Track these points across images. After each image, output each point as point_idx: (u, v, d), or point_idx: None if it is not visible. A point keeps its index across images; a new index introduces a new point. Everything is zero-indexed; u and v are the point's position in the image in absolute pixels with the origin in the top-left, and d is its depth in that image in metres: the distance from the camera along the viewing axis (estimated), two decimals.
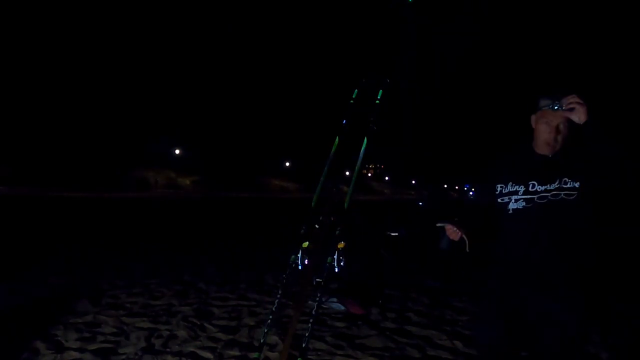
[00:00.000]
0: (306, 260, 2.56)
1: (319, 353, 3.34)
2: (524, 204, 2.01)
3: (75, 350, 3.20)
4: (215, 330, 3.75)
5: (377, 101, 2.74)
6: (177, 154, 54.88)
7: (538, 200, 1.98)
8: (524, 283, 1.98)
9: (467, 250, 2.05)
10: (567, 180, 1.94)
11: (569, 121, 1.92)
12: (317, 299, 2.48)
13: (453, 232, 2.10)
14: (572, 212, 1.93)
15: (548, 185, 1.97)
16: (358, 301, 4.50)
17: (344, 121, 2.83)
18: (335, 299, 4.51)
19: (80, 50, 49.62)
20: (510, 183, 2.07)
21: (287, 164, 68.83)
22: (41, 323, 3.67)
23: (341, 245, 2.52)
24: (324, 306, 4.41)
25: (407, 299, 5.01)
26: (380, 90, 2.75)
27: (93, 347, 3.27)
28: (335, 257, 2.49)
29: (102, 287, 4.97)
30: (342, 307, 4.43)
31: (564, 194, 1.93)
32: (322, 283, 2.49)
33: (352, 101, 2.85)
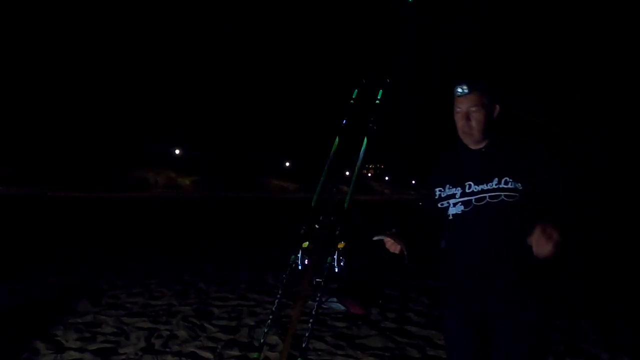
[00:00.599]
0: (306, 260, 2.56)
1: (319, 353, 3.34)
2: (462, 207, 1.84)
3: (75, 350, 3.20)
4: (215, 330, 3.75)
5: (377, 101, 2.74)
6: (177, 154, 54.91)
7: (476, 203, 1.81)
8: (476, 291, 1.83)
9: (406, 263, 1.89)
10: (509, 180, 1.76)
11: (484, 105, 1.80)
12: (317, 299, 2.48)
13: (392, 245, 1.93)
14: (516, 215, 1.75)
15: (485, 185, 1.80)
16: (358, 301, 4.50)
17: (344, 121, 2.83)
18: (335, 299, 4.51)
19: (80, 51, 49.63)
20: (448, 185, 1.90)
21: (287, 164, 68.84)
22: (41, 323, 3.67)
23: (341, 245, 2.52)
24: (324, 306, 4.41)
25: (407, 299, 5.01)
26: (380, 90, 2.75)
27: (93, 347, 3.27)
28: (335, 257, 2.49)
29: (102, 287, 4.98)
30: (342, 307, 4.43)
31: (505, 195, 1.76)
32: (322, 283, 2.49)
33: (352, 101, 2.85)
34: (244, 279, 5.72)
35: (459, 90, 1.82)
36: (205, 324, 3.86)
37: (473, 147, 1.88)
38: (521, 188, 1.75)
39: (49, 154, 40.15)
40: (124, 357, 3.13)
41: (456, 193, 1.86)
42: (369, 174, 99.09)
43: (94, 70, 49.82)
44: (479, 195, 1.80)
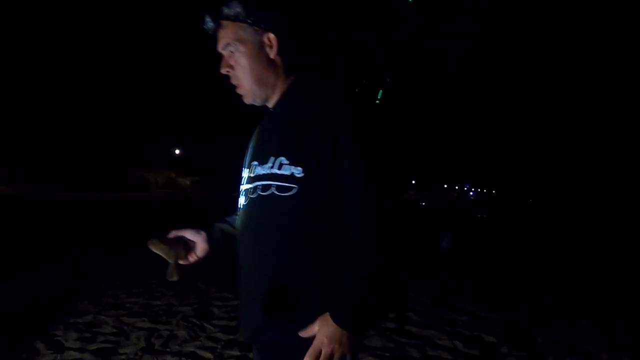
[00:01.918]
0: None
1: None
2: (243, 200, 1.25)
3: (75, 350, 3.20)
4: (215, 330, 3.75)
5: (377, 101, 2.73)
6: (177, 154, 54.95)
7: (251, 195, 1.20)
8: (242, 316, 1.28)
9: (168, 279, 1.26)
10: (285, 162, 1.13)
11: (243, 41, 1.20)
12: None
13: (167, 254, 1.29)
14: (289, 221, 1.13)
15: (261, 167, 1.18)
16: None
17: None
18: None
19: (80, 51, 49.67)
20: (246, 163, 1.29)
21: None
22: (41, 323, 3.68)
23: None
24: None
25: (407, 299, 5.01)
26: (380, 90, 2.75)
27: (93, 347, 3.27)
28: None
29: (102, 287, 4.97)
30: None
31: (276, 188, 1.13)
32: None
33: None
34: None
35: (207, 24, 1.26)
36: (205, 324, 3.86)
37: (269, 105, 1.28)
38: (301, 176, 1.11)
39: (49, 154, 40.18)
40: (124, 357, 3.13)
41: (244, 176, 1.27)
42: None
43: (94, 70, 49.88)
44: (255, 184, 1.19)
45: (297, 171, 1.11)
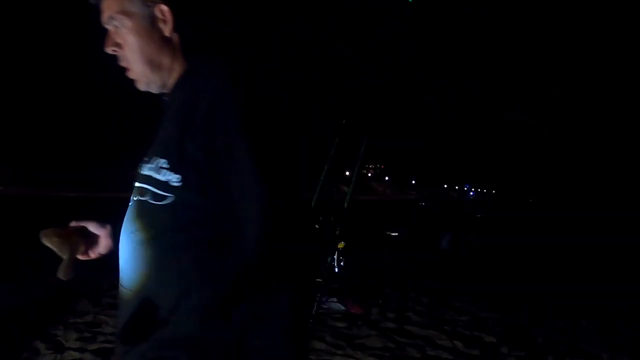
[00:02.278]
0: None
1: (319, 353, 3.34)
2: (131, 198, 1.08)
3: (75, 350, 3.20)
4: None
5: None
6: None
7: (134, 197, 1.04)
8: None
9: (63, 277, 1.11)
10: (164, 166, 0.95)
11: (129, 14, 0.97)
12: (317, 299, 2.48)
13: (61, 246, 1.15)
14: (162, 231, 0.96)
15: (145, 168, 1.00)
16: (358, 301, 4.51)
17: (344, 121, 2.84)
18: (335, 299, 4.51)
19: (80, 51, 49.76)
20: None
21: None
22: (41, 323, 3.68)
23: (341, 245, 2.52)
24: (324, 306, 4.41)
25: (407, 299, 5.01)
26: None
27: (93, 347, 3.27)
28: (335, 257, 2.49)
29: (102, 287, 4.97)
30: (342, 307, 4.43)
31: (152, 195, 0.96)
32: (322, 283, 2.49)
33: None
34: None
35: None
36: None
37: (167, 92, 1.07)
38: (178, 185, 0.93)
39: (48, 153, 40.22)
40: None
41: (137, 174, 1.08)
42: (369, 174, 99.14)
43: (94, 70, 49.96)
44: (138, 185, 1.02)
45: (175, 179, 0.93)
